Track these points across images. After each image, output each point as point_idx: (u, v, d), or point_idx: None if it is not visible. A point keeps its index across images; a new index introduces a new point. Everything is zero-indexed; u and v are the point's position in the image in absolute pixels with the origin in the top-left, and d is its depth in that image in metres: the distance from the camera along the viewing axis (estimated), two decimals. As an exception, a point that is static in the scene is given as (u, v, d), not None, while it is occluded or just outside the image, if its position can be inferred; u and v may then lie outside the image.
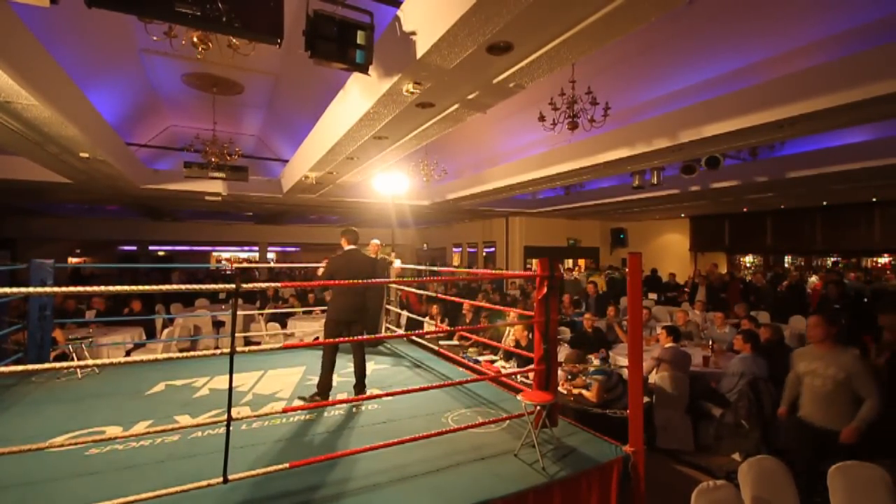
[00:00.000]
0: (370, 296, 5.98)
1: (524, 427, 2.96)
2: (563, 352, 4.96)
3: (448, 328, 6.51)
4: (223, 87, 8.00)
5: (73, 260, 17.43)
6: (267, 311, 8.37)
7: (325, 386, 3.87)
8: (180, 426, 2.40)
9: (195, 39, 3.97)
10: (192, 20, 2.53)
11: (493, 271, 11.96)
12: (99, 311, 7.42)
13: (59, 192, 9.96)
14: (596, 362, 4.22)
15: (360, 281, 3.10)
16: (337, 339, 3.71)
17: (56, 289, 2.25)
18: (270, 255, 20.93)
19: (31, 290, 2.01)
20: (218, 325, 9.10)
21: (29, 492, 2.40)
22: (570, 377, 4.33)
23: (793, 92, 4.52)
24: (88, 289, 2.16)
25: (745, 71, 5.29)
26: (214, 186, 9.69)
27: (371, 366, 5.06)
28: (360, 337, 4.06)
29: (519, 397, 3.02)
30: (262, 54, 4.80)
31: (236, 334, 2.28)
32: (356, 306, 4.10)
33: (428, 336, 5.97)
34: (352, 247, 4.19)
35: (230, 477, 2.24)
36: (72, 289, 2.11)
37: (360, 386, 4.09)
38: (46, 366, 4.27)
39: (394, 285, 6.98)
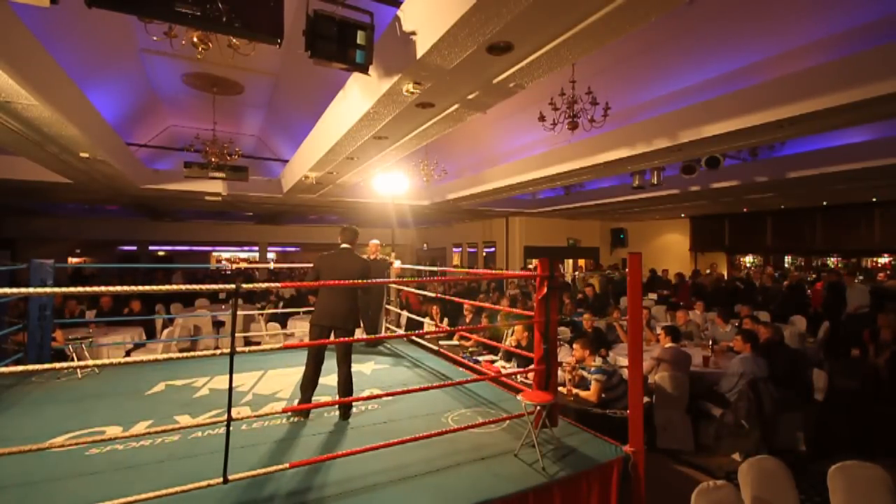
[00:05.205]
0: (372, 297, 6.00)
1: (524, 427, 2.95)
2: (564, 351, 4.96)
3: (448, 328, 6.50)
4: (223, 87, 8.00)
5: (73, 260, 17.40)
6: (267, 311, 8.37)
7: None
8: (180, 426, 2.40)
9: (195, 39, 3.96)
10: (192, 20, 2.53)
11: (493, 271, 11.95)
12: (102, 310, 7.43)
13: (59, 192, 9.95)
14: (598, 361, 4.22)
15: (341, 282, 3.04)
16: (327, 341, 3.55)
17: (56, 289, 2.25)
18: (271, 256, 20.90)
19: (31, 290, 2.01)
20: (218, 325, 9.10)
21: (29, 492, 2.40)
22: (575, 367, 4.30)
23: (793, 92, 4.51)
24: (88, 289, 2.14)
25: (745, 71, 5.28)
26: (214, 186, 9.68)
27: (371, 366, 5.06)
28: (360, 337, 4.00)
29: (519, 397, 3.02)
30: (262, 54, 4.79)
31: (236, 334, 2.28)
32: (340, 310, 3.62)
33: (428, 336, 5.97)
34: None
35: (230, 477, 2.23)
36: (72, 289, 2.10)
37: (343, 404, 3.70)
38: (46, 366, 4.26)
39: (394, 285, 6.98)
